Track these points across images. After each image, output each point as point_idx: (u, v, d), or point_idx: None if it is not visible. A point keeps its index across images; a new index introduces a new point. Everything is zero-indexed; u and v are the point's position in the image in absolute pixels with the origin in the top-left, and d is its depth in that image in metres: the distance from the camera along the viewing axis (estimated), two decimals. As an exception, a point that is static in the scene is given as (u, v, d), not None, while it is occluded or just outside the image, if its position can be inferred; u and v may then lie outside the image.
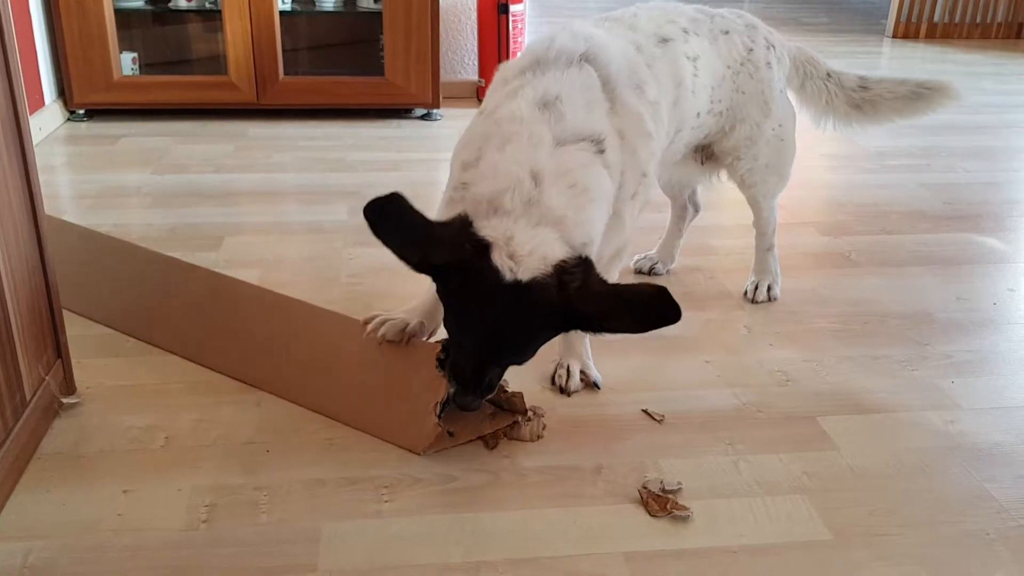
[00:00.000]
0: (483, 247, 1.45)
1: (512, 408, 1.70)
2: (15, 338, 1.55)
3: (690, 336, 2.10)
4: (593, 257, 1.54)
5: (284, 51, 3.78)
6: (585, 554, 1.41)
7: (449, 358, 1.59)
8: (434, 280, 1.52)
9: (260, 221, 2.74)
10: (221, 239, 2.57)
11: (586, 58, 1.63)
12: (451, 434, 1.64)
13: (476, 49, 4.32)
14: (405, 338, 1.82)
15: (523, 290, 1.44)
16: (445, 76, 4.22)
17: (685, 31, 1.90)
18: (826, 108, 2.24)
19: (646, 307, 1.45)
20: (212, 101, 3.80)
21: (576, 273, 1.45)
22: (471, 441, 1.66)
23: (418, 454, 1.62)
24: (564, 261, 1.46)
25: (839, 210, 2.98)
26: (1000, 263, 2.57)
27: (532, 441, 1.69)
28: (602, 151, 1.57)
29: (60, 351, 1.75)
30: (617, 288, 1.50)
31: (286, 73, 3.80)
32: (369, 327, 1.83)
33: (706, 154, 2.14)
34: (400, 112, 3.99)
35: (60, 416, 1.71)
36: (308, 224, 2.73)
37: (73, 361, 1.79)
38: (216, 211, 2.81)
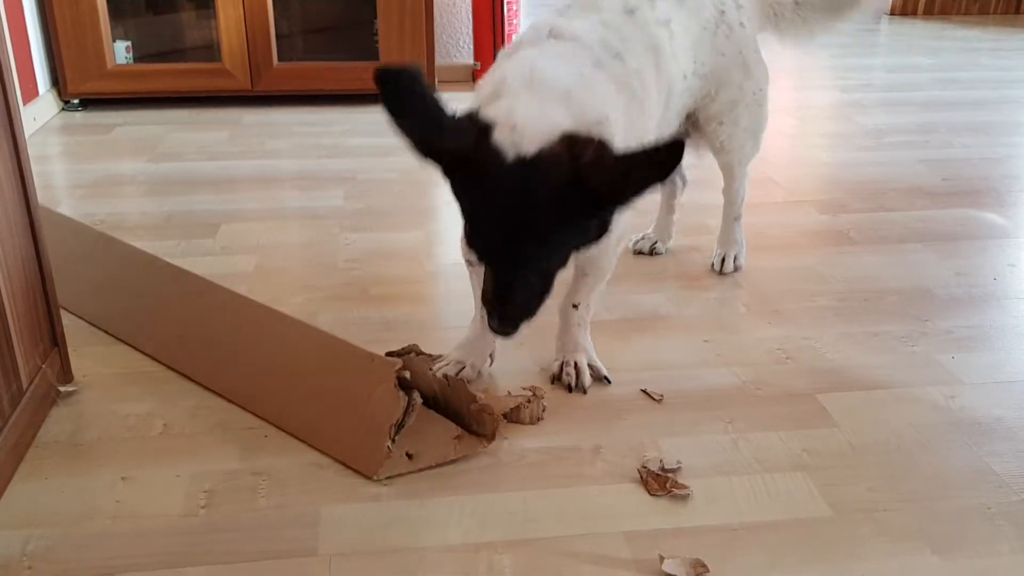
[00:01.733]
0: (485, 128, 1.36)
1: (480, 429, 1.59)
2: (10, 327, 1.55)
3: (688, 315, 2.10)
4: (618, 131, 1.48)
5: (278, 37, 3.76)
6: (585, 534, 1.41)
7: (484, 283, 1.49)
8: (444, 176, 1.42)
9: (256, 208, 2.73)
10: (217, 226, 2.56)
11: (554, 35, 1.62)
12: (410, 456, 1.54)
13: (471, 32, 4.30)
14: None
15: (530, 165, 1.34)
16: (440, 60, 4.21)
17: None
18: (808, 32, 2.25)
19: (657, 149, 1.31)
20: (206, 89, 3.79)
21: (588, 146, 1.34)
22: (433, 467, 1.55)
23: (370, 479, 1.51)
24: (574, 132, 1.36)
25: (837, 188, 2.96)
26: (1000, 238, 2.56)
27: (532, 424, 1.68)
28: (600, 68, 1.57)
29: (56, 340, 1.74)
30: (627, 154, 1.37)
31: (280, 59, 3.79)
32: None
33: (692, 123, 2.13)
34: (396, 97, 3.96)
35: (57, 404, 1.71)
36: (304, 210, 2.72)
37: (70, 349, 1.79)
38: (212, 198, 2.80)
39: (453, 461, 1.56)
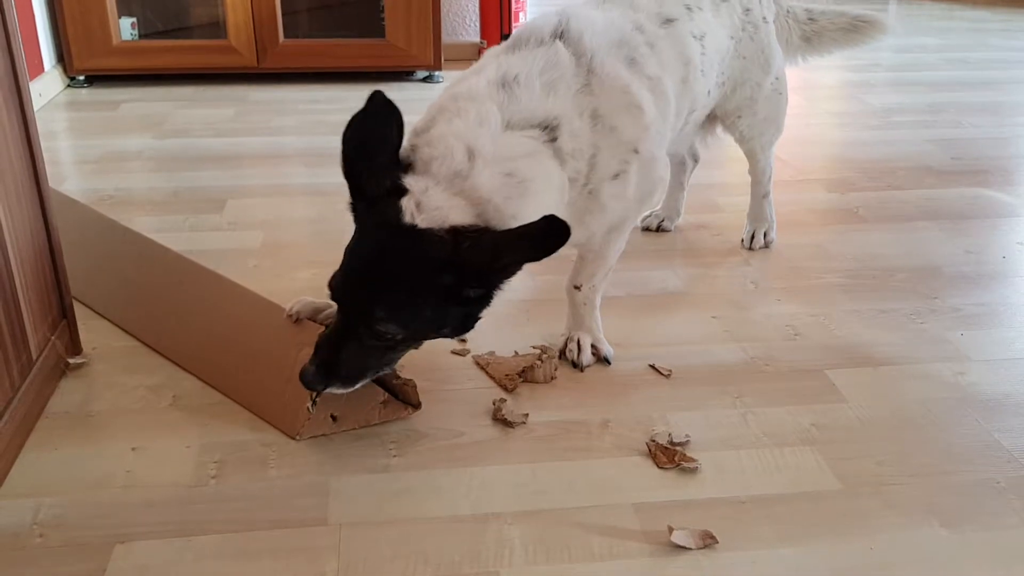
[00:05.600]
0: (399, 190, 1.41)
1: (405, 399, 1.61)
2: (20, 299, 1.55)
3: (697, 292, 2.10)
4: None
5: (284, 14, 3.74)
6: (594, 506, 1.41)
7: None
8: (350, 198, 1.47)
9: (263, 184, 2.73)
10: (224, 202, 2.56)
11: (559, 35, 1.58)
12: (334, 418, 1.56)
13: (478, 10, 4.28)
14: (321, 319, 1.71)
15: (415, 235, 1.38)
16: (446, 38, 4.18)
17: (688, 8, 1.84)
18: (785, 45, 2.24)
19: (535, 230, 1.34)
20: (212, 65, 3.78)
21: (472, 236, 1.38)
22: (358, 427, 1.58)
23: (294, 439, 1.54)
24: (464, 227, 1.39)
25: (846, 166, 2.95)
26: (1009, 217, 2.55)
27: (546, 383, 1.70)
28: (554, 139, 1.50)
29: (65, 312, 1.75)
30: (505, 231, 1.41)
31: (286, 36, 3.77)
32: (287, 307, 1.74)
33: (708, 116, 2.12)
34: (402, 75, 3.96)
35: (67, 376, 1.71)
36: (311, 186, 2.71)
37: (79, 322, 1.79)
38: (219, 174, 2.79)
39: (377, 424, 1.59)
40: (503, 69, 1.53)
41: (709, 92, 1.95)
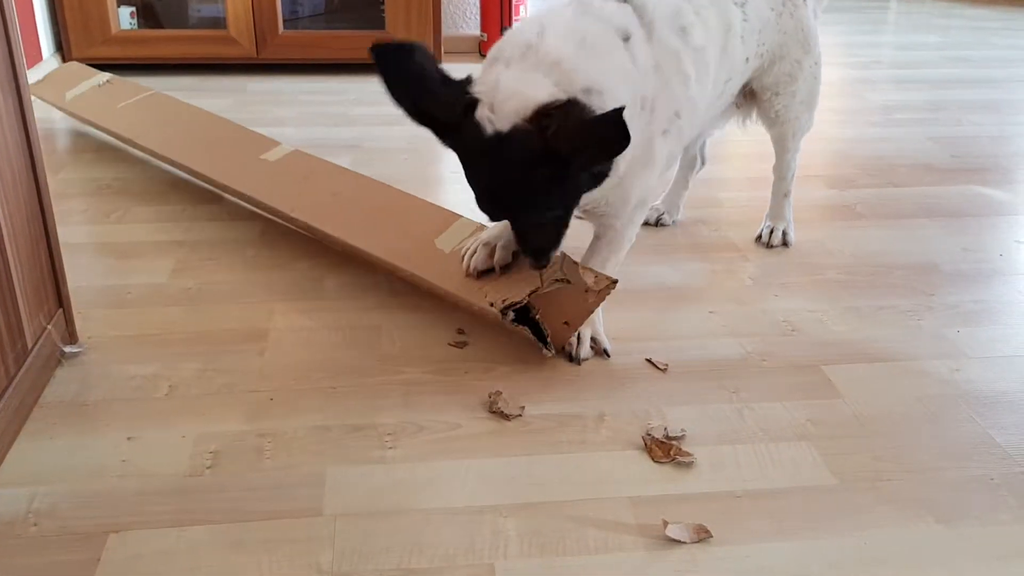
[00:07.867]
0: (471, 105, 1.42)
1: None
2: (16, 287, 1.55)
3: (695, 287, 2.09)
4: (613, 103, 1.45)
5: (283, 5, 3.73)
6: (590, 499, 1.41)
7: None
8: (439, 139, 1.50)
9: (261, 175, 2.72)
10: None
11: None
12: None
13: (478, 2, 4.27)
14: (496, 266, 1.77)
15: (503, 142, 1.40)
16: (447, 30, 4.18)
17: None
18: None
19: (604, 130, 1.36)
20: (211, 56, 3.77)
21: (556, 116, 1.38)
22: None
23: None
24: (546, 105, 1.40)
25: (846, 163, 2.95)
26: (1007, 215, 2.55)
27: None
28: (627, 39, 1.54)
29: (61, 301, 1.74)
30: (590, 119, 1.42)
31: (286, 27, 3.76)
32: (464, 263, 1.79)
33: (744, 92, 2.14)
34: (401, 67, 3.94)
35: (62, 365, 1.71)
36: (310, 178, 2.70)
37: (75, 312, 1.79)
38: (217, 165, 2.78)
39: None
40: (558, 15, 1.56)
41: (747, 60, 1.96)
